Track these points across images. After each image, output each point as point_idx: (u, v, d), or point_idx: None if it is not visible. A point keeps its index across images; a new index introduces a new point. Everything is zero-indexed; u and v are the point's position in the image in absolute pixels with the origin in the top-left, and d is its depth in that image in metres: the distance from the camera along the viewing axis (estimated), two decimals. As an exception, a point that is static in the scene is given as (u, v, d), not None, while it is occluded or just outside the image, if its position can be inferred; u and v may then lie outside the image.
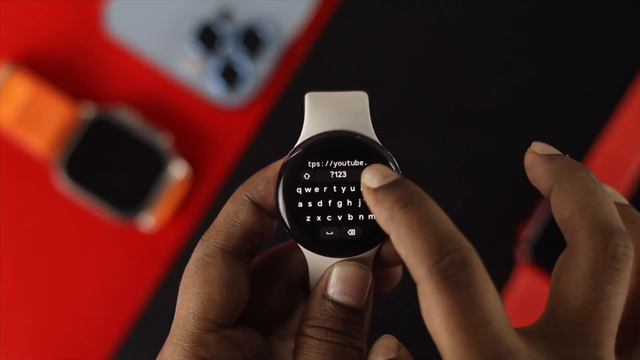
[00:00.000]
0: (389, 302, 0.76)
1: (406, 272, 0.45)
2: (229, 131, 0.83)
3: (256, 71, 0.82)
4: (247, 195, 0.40)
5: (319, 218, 0.39)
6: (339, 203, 0.39)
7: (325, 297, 0.39)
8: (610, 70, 0.82)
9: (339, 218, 0.39)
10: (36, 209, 0.81)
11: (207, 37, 0.82)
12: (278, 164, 0.40)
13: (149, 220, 0.81)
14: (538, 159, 0.38)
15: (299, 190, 0.39)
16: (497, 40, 0.82)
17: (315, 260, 0.40)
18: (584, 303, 0.34)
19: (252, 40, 0.82)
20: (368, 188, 0.37)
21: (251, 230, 0.40)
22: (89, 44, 0.83)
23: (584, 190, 0.36)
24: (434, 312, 0.33)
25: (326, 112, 0.40)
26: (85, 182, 0.80)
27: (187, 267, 0.40)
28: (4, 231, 0.81)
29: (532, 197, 0.79)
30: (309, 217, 0.39)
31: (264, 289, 0.41)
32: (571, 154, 0.39)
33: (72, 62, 0.83)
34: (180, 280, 0.40)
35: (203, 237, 0.40)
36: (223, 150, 0.82)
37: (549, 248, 0.78)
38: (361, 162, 0.39)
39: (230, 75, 0.82)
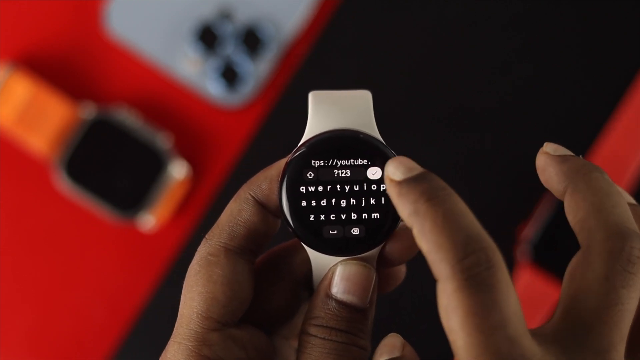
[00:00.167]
0: (392, 302, 0.76)
1: (409, 273, 0.45)
2: (229, 131, 0.83)
3: (256, 71, 0.82)
4: (250, 194, 0.40)
5: (322, 217, 0.39)
6: (343, 202, 0.39)
7: (328, 296, 0.39)
8: (610, 70, 0.82)
9: (343, 217, 0.39)
10: (36, 209, 0.81)
11: (207, 37, 0.82)
12: (281, 162, 0.40)
13: (149, 220, 0.81)
14: (551, 160, 0.38)
15: (302, 189, 0.39)
16: (497, 40, 0.82)
17: (318, 259, 0.40)
18: (598, 306, 0.34)
19: (252, 40, 0.82)
20: (392, 180, 0.36)
21: (255, 229, 0.40)
22: (89, 44, 0.83)
23: (599, 191, 0.36)
24: (453, 310, 0.33)
25: (330, 111, 0.40)
26: (85, 182, 0.80)
27: (190, 266, 0.40)
28: (4, 231, 0.81)
29: (532, 197, 0.79)
30: (312, 216, 0.39)
31: (268, 287, 0.41)
32: (569, 150, 0.39)
33: (72, 62, 0.83)
34: (182, 280, 0.40)
35: (206, 236, 0.40)
36: (223, 150, 0.82)
37: (549, 248, 0.78)
38: (365, 161, 0.39)
39: (230, 75, 0.82)
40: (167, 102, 0.83)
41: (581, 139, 0.81)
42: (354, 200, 0.39)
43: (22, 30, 0.82)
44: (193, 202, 0.82)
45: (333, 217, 0.39)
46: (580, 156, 0.38)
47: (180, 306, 0.39)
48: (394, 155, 0.39)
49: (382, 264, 0.40)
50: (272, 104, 0.82)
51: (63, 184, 0.80)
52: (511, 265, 0.79)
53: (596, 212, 0.36)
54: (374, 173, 0.39)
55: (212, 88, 0.82)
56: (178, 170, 0.81)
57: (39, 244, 0.81)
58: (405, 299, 0.76)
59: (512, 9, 0.82)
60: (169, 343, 0.39)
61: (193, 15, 0.82)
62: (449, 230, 0.34)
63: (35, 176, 0.81)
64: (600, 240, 0.35)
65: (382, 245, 0.40)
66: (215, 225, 0.40)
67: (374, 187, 0.39)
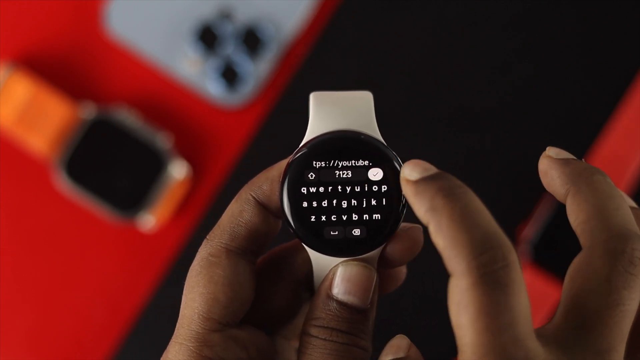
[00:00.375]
0: (392, 302, 0.76)
1: (410, 274, 0.45)
2: (229, 131, 0.83)
3: (256, 71, 0.82)
4: (251, 195, 0.40)
5: (323, 218, 0.39)
6: (344, 203, 0.39)
7: (329, 296, 0.39)
8: (610, 70, 0.82)
9: (344, 218, 0.39)
10: (36, 209, 0.81)
11: (207, 37, 0.82)
12: (283, 163, 0.40)
13: (149, 220, 0.81)
14: (553, 163, 0.38)
15: (303, 189, 0.39)
16: (497, 40, 0.82)
17: (319, 260, 0.40)
18: (599, 307, 0.34)
19: (252, 40, 0.82)
20: (408, 181, 0.36)
21: (256, 230, 0.40)
22: (89, 44, 0.83)
23: (601, 194, 0.36)
24: (465, 307, 0.33)
25: (331, 112, 0.40)
26: (85, 182, 0.80)
27: (191, 267, 0.40)
28: (4, 231, 0.81)
29: (532, 197, 0.79)
30: (313, 217, 0.39)
31: (269, 288, 0.41)
32: (572, 154, 0.39)
33: (72, 62, 0.83)
34: (183, 280, 0.40)
35: (208, 236, 0.40)
36: (223, 150, 0.82)
37: (549, 248, 0.78)
38: (366, 162, 0.39)
39: (230, 75, 0.82)
40: (167, 102, 0.83)
41: (581, 139, 0.81)
42: (355, 201, 0.39)
43: (22, 30, 0.82)
44: (193, 202, 0.82)
45: (334, 218, 0.39)
46: (583, 159, 0.38)
47: (181, 307, 0.39)
48: (395, 156, 0.39)
49: (383, 265, 0.40)
50: (272, 104, 0.82)
51: (63, 184, 0.80)
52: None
53: (598, 214, 0.36)
54: (375, 174, 0.39)
55: (212, 88, 0.82)
56: (178, 170, 0.81)
57: (39, 244, 0.81)
58: (406, 299, 0.76)
59: (512, 9, 0.82)
60: (170, 344, 0.39)
61: (193, 15, 0.82)
62: (466, 227, 0.34)
63: (35, 176, 0.81)
64: (601, 241, 0.35)
65: (383, 246, 0.40)
66: (216, 226, 0.40)
67: (375, 188, 0.39)
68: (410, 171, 0.36)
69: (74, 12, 0.83)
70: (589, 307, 0.34)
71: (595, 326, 0.34)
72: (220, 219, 0.40)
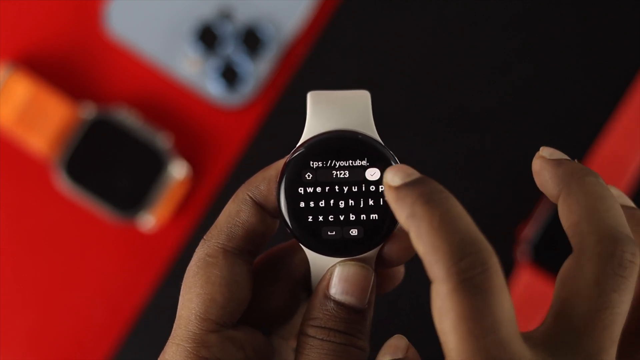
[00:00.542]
0: (390, 302, 0.76)
1: (408, 273, 0.45)
2: (229, 131, 0.83)
3: (256, 71, 0.82)
4: (249, 195, 0.40)
5: (321, 218, 0.39)
6: (341, 203, 0.39)
7: (327, 296, 0.39)
8: (610, 70, 0.82)
9: (341, 218, 0.39)
10: (36, 209, 0.81)
11: (207, 37, 0.82)
12: (280, 163, 0.40)
13: (149, 220, 0.81)
14: (546, 164, 0.38)
15: (301, 190, 0.39)
16: (497, 40, 0.82)
17: (317, 260, 0.40)
18: (589, 310, 0.34)
19: (252, 40, 0.82)
20: (390, 187, 0.36)
21: (253, 230, 0.40)
22: (89, 44, 0.83)
23: (593, 195, 0.36)
24: (447, 313, 0.33)
25: (328, 111, 0.40)
26: (85, 182, 0.80)
27: (188, 267, 0.40)
28: (4, 231, 0.81)
29: (532, 197, 0.79)
30: (311, 217, 0.39)
31: (266, 288, 0.41)
32: (571, 154, 0.39)
33: (72, 62, 0.83)
34: (182, 280, 0.40)
35: (205, 237, 0.40)
36: (223, 150, 0.82)
37: (549, 248, 0.78)
38: (363, 162, 0.39)
39: (230, 75, 0.82)
40: (167, 102, 0.83)
41: (581, 139, 0.81)
42: (353, 201, 0.39)
43: (22, 30, 0.82)
44: (193, 202, 0.82)
45: (331, 218, 0.39)
46: (576, 160, 0.38)
47: (179, 307, 0.39)
48: (392, 156, 0.39)
49: (381, 265, 0.40)
50: (272, 104, 0.82)
51: (63, 184, 0.80)
52: (511, 265, 0.79)
53: (589, 216, 0.35)
54: (372, 174, 0.39)
55: (212, 88, 0.82)
56: (178, 170, 0.81)
57: (39, 244, 0.81)
58: (403, 299, 0.76)
59: (512, 9, 0.82)
60: (167, 344, 0.39)
61: (193, 15, 0.82)
62: (445, 233, 0.34)
63: (35, 176, 0.81)
64: (591, 244, 0.35)
65: (380, 246, 0.40)
66: (213, 226, 0.40)
67: (372, 188, 0.39)
68: (392, 176, 0.36)
69: (74, 12, 0.83)
70: (578, 310, 0.34)
71: (584, 329, 0.34)
72: (218, 219, 0.40)
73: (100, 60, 0.83)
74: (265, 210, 0.40)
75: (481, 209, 0.81)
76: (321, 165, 0.39)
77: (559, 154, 0.38)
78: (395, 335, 0.39)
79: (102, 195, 0.80)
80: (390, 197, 0.36)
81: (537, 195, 0.79)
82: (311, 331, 0.38)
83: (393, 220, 0.39)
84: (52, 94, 0.80)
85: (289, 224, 0.39)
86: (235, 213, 0.40)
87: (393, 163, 0.39)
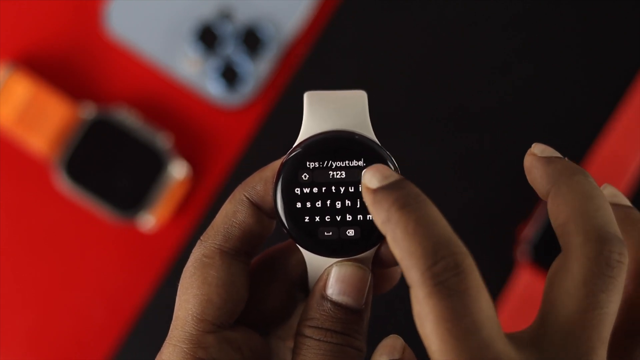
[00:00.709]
0: (387, 302, 0.76)
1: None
2: (229, 131, 0.83)
3: (256, 71, 0.82)
4: (245, 196, 0.40)
5: (317, 218, 0.39)
6: (338, 203, 0.39)
7: (324, 297, 0.39)
8: (610, 70, 0.82)
9: (338, 218, 0.39)
10: (36, 209, 0.81)
11: (207, 37, 0.82)
12: (276, 163, 0.40)
13: (149, 220, 0.81)
14: (536, 162, 0.38)
15: (297, 190, 0.39)
16: (497, 40, 0.82)
17: (313, 261, 0.40)
18: (576, 311, 0.34)
19: (252, 40, 0.82)
20: (367, 189, 0.36)
21: (250, 231, 0.40)
22: (89, 44, 0.83)
23: (581, 195, 0.36)
24: (426, 316, 0.33)
25: (325, 111, 0.40)
26: (85, 182, 0.80)
27: (185, 268, 0.40)
28: (4, 231, 0.81)
29: (532, 197, 0.79)
30: (307, 218, 0.39)
31: (263, 289, 0.41)
32: (571, 154, 0.39)
33: (72, 62, 0.83)
34: (178, 281, 0.40)
35: (201, 237, 0.40)
36: (223, 150, 0.82)
37: (549, 248, 0.78)
38: (360, 163, 0.39)
39: (230, 75, 0.82)
40: (167, 102, 0.83)
41: (581, 139, 0.81)
42: (349, 202, 0.39)
43: (22, 30, 0.82)
44: (193, 202, 0.82)
45: (328, 218, 0.39)
46: (566, 158, 0.38)
47: (175, 308, 0.39)
48: (389, 156, 0.39)
49: (378, 265, 0.40)
50: (272, 104, 0.82)
51: (63, 184, 0.80)
52: (511, 265, 0.79)
53: (576, 216, 0.35)
54: None
55: (212, 88, 0.82)
56: (178, 170, 0.81)
57: (39, 244, 0.81)
58: (400, 300, 0.75)
59: (512, 9, 0.82)
60: (164, 345, 0.39)
61: (193, 15, 0.82)
62: (419, 237, 0.34)
63: (35, 176, 0.81)
64: (579, 244, 0.35)
65: (377, 246, 0.40)
66: (210, 227, 0.40)
67: None
68: (370, 177, 0.36)
69: (74, 12, 0.83)
70: (566, 310, 0.34)
71: (572, 330, 0.34)
72: (214, 220, 0.40)
73: (100, 60, 0.83)
74: (261, 210, 0.40)
75: (481, 209, 0.81)
76: (318, 165, 0.39)
77: (550, 151, 0.38)
78: (391, 335, 0.39)
79: (102, 195, 0.80)
80: (367, 200, 0.36)
81: (536, 195, 0.79)
82: (308, 331, 0.38)
83: None
84: (52, 94, 0.80)
85: (286, 224, 0.39)
86: (232, 214, 0.40)
87: (390, 163, 0.39)
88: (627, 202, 0.40)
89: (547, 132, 0.81)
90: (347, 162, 0.39)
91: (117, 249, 0.81)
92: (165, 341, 0.39)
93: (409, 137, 0.81)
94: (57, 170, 0.80)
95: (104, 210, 0.80)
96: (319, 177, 0.39)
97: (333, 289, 0.39)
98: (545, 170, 0.37)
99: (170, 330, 0.39)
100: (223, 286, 0.39)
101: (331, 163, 0.39)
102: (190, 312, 0.39)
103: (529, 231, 0.78)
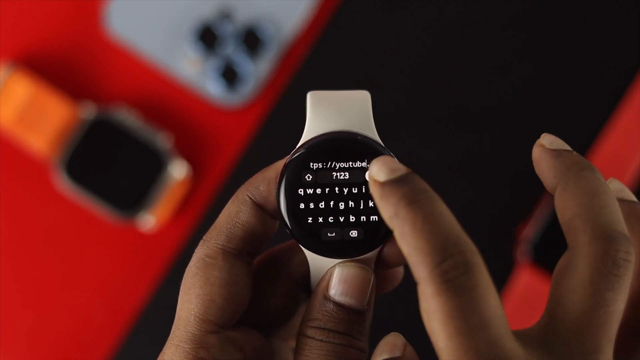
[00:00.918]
0: (389, 303, 0.76)
1: (407, 273, 0.45)
2: (229, 131, 0.83)
3: (256, 71, 0.82)
4: (248, 196, 0.40)
5: (320, 219, 0.39)
6: (341, 204, 0.39)
7: (326, 297, 0.39)
8: (610, 70, 0.82)
9: (341, 219, 0.39)
10: (36, 209, 0.81)
11: (207, 37, 0.82)
12: (280, 164, 0.40)
13: (149, 220, 0.81)
14: (545, 154, 0.38)
15: (300, 191, 0.39)
16: (497, 40, 0.82)
17: (316, 261, 0.40)
18: (583, 309, 0.34)
19: (252, 40, 0.82)
20: (375, 181, 0.36)
21: (252, 231, 0.40)
22: (89, 44, 0.83)
23: (588, 191, 0.36)
24: (433, 313, 0.33)
25: (328, 112, 0.40)
26: (85, 182, 0.80)
27: (188, 268, 0.40)
28: (4, 231, 0.81)
29: (532, 197, 0.79)
30: (310, 219, 0.39)
31: (266, 289, 0.41)
32: (565, 144, 0.39)
33: (72, 62, 0.83)
34: (181, 281, 0.40)
35: (204, 237, 0.40)
36: (223, 150, 0.82)
37: (549, 248, 0.78)
38: (364, 164, 0.39)
39: (230, 75, 0.82)
40: (167, 102, 0.83)
41: (581, 139, 0.81)
42: (352, 203, 0.39)
43: (22, 30, 0.82)
44: (193, 202, 0.82)
45: (331, 219, 0.39)
46: (575, 152, 0.38)
47: (178, 308, 0.39)
48: (392, 157, 0.39)
49: (380, 266, 0.40)
50: (272, 104, 0.82)
51: (63, 184, 0.80)
52: (511, 265, 0.79)
53: (583, 213, 0.35)
54: None
55: (212, 88, 0.82)
56: (178, 170, 0.81)
57: (39, 244, 0.81)
58: (403, 300, 0.76)
59: (512, 9, 0.82)
60: (166, 345, 0.39)
61: (193, 15, 0.82)
62: (427, 234, 0.33)
63: (35, 176, 0.81)
64: (585, 242, 0.35)
65: (380, 247, 0.40)
66: (212, 227, 0.40)
67: None
68: (377, 170, 0.36)
69: (74, 12, 0.83)
70: (573, 308, 0.34)
71: (579, 328, 0.34)
72: (217, 220, 0.40)
73: (100, 60, 0.83)
74: (264, 211, 0.40)
75: (481, 209, 0.81)
76: (321, 166, 0.39)
77: (559, 143, 0.38)
78: (392, 333, 0.39)
79: (102, 195, 0.80)
80: (374, 192, 0.36)
81: (537, 195, 0.79)
82: (310, 332, 0.38)
83: None
84: (52, 94, 0.80)
85: (289, 225, 0.39)
86: (235, 214, 0.40)
87: None
88: (633, 198, 0.39)
89: (547, 132, 0.81)
90: (350, 163, 0.39)
91: (117, 249, 0.81)
92: (168, 341, 0.39)
93: (409, 137, 0.81)
94: (57, 170, 0.80)
95: (104, 210, 0.80)
96: (323, 178, 0.39)
97: (336, 290, 0.39)
98: (553, 163, 0.37)
99: (172, 330, 0.39)
100: (226, 286, 0.39)
101: (334, 164, 0.39)
102: (192, 312, 0.39)
103: (529, 231, 0.78)
